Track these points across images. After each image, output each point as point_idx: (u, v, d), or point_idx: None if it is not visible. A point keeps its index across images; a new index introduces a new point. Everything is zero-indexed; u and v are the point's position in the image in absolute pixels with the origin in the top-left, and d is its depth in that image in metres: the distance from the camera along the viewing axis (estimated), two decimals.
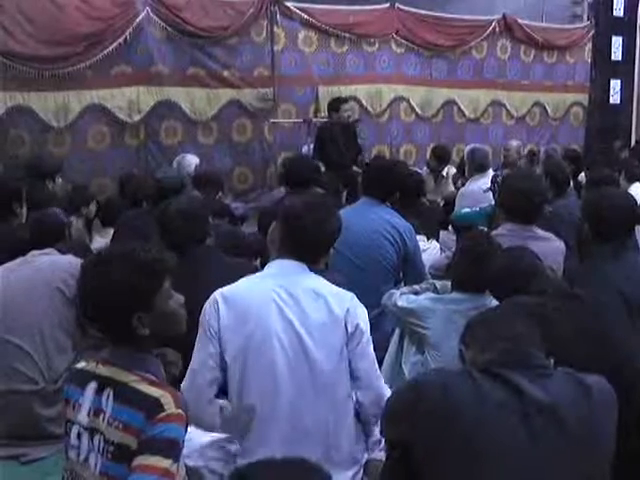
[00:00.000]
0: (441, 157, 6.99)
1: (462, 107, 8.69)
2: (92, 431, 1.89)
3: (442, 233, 5.22)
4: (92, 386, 1.93)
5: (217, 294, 2.36)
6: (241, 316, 2.31)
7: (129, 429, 1.82)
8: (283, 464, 1.45)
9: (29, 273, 3.22)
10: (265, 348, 2.28)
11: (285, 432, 2.27)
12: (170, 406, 1.82)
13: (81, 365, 2.01)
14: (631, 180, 5.87)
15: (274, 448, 2.21)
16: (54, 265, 3.27)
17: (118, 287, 1.86)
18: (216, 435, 2.43)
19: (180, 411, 1.84)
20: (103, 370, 1.94)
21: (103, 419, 1.87)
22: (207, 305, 2.35)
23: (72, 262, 3.30)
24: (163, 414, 1.80)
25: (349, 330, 2.35)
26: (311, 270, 2.44)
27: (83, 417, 1.92)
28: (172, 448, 1.79)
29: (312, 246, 2.45)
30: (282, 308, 2.32)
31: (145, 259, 1.93)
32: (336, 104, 6.79)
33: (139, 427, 1.80)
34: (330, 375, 2.31)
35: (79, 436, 1.92)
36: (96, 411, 1.90)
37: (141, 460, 1.77)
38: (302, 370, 2.29)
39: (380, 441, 2.42)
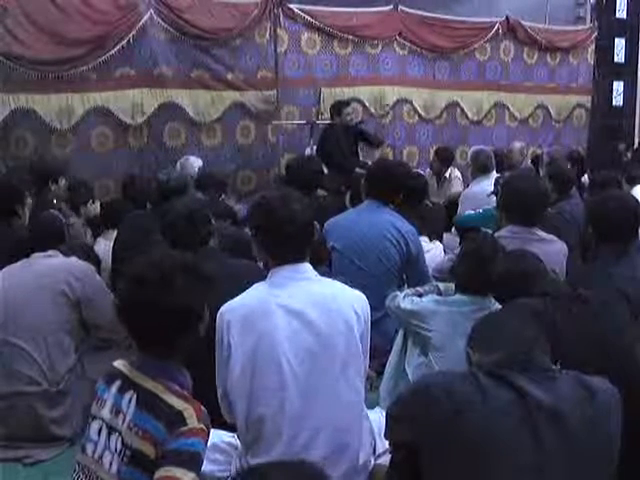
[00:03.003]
0: (444, 159, 6.98)
1: (465, 109, 8.67)
2: (110, 429, 1.91)
3: (445, 235, 5.22)
4: (117, 384, 1.96)
5: (223, 310, 2.32)
6: (247, 328, 2.27)
7: (148, 437, 1.83)
8: (293, 466, 1.45)
9: (31, 275, 3.22)
10: (271, 359, 2.25)
11: (292, 437, 2.24)
12: (193, 420, 1.84)
13: (116, 363, 2.02)
14: (633, 182, 5.86)
15: (282, 451, 2.21)
16: (57, 267, 3.27)
17: (192, 296, 1.93)
18: (219, 434, 2.44)
19: (202, 426, 1.85)
20: (130, 373, 1.95)
21: (123, 421, 1.88)
22: (218, 323, 2.31)
23: (75, 264, 3.31)
24: (185, 428, 1.82)
25: (359, 333, 2.34)
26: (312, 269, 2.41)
27: (106, 413, 1.94)
28: (195, 461, 1.81)
29: (289, 240, 2.35)
30: (287, 317, 2.28)
31: (200, 267, 2.00)
32: (338, 107, 6.82)
33: (159, 437, 1.81)
34: (338, 379, 2.29)
35: (99, 432, 1.94)
36: (116, 410, 1.91)
37: (165, 472, 1.78)
38: (310, 376, 2.26)
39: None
